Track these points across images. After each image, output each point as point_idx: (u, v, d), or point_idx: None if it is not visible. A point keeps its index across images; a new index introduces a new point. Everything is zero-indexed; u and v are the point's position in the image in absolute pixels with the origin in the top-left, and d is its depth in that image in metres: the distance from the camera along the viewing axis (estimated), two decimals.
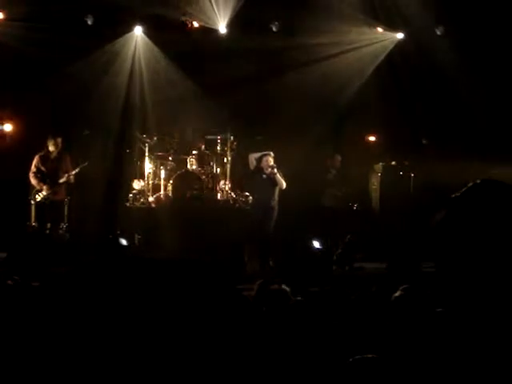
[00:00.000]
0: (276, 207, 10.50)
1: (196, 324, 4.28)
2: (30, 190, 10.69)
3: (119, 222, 11.24)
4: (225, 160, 11.79)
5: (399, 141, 12.38)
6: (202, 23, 11.73)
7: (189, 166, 11.63)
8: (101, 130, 11.78)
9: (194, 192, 11.32)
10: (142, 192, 11.68)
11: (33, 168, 10.54)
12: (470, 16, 11.56)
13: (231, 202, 11.63)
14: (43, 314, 4.54)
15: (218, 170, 11.81)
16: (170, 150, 11.85)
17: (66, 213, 10.79)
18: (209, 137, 11.89)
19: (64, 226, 10.72)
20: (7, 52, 11.15)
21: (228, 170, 11.73)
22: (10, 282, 5.36)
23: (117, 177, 11.84)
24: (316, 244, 10.22)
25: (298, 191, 10.92)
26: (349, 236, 10.85)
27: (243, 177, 11.68)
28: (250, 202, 11.37)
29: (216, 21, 11.70)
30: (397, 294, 4.92)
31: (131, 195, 11.59)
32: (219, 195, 11.71)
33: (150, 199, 11.57)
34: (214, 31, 11.79)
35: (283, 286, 5.13)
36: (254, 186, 10.91)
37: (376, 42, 12.21)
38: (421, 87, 12.23)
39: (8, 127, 12.08)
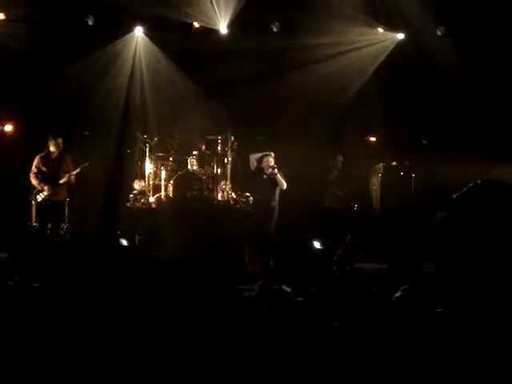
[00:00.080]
0: (276, 208, 10.48)
1: (197, 324, 4.28)
2: (30, 191, 10.67)
3: (120, 222, 11.25)
4: (225, 160, 11.78)
5: (400, 141, 12.37)
6: (203, 24, 11.75)
7: (189, 167, 11.64)
8: (101, 130, 11.77)
9: (195, 192, 11.32)
10: (142, 192, 11.69)
11: (33, 168, 10.51)
12: (471, 16, 11.56)
13: (232, 202, 11.64)
14: (44, 315, 4.53)
15: (219, 170, 11.80)
16: (171, 150, 11.86)
17: (66, 213, 10.77)
18: (209, 137, 11.89)
19: (65, 226, 10.71)
20: (7, 52, 11.15)
21: (228, 170, 11.73)
22: (10, 282, 5.36)
23: (117, 177, 11.84)
24: (316, 244, 10.22)
25: (299, 191, 10.89)
26: (349, 236, 10.86)
27: (244, 177, 11.67)
28: (251, 202, 11.38)
29: (217, 21, 11.71)
30: (397, 295, 4.92)
31: (132, 196, 11.60)
32: (220, 196, 11.71)
33: (151, 199, 11.58)
34: (215, 32, 11.80)
35: (284, 287, 5.13)
36: (254, 186, 10.90)
37: (376, 43, 12.22)
38: (421, 87, 12.22)
39: (8, 127, 12.10)
